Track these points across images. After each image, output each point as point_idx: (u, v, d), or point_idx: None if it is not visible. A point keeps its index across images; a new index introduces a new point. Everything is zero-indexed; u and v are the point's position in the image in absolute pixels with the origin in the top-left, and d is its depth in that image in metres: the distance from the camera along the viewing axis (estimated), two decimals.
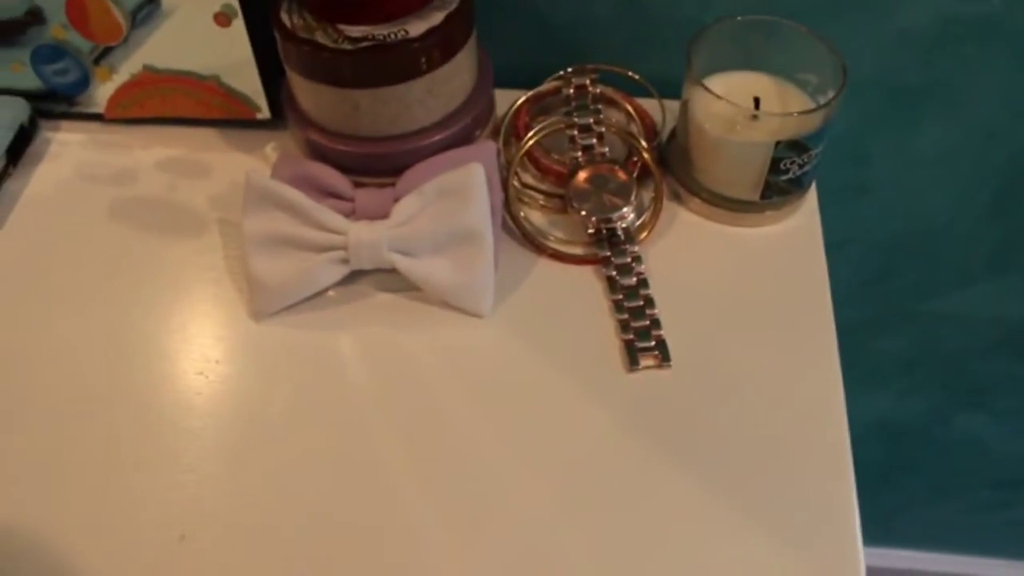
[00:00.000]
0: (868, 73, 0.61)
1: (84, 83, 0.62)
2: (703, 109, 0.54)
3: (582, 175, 0.55)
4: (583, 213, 0.54)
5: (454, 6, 0.52)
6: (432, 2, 0.52)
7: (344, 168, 0.54)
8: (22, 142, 0.62)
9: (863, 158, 0.69)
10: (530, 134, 0.57)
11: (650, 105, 0.62)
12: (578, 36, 0.63)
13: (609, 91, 0.60)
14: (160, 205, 0.59)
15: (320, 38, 0.51)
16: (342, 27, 0.51)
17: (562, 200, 0.56)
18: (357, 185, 0.54)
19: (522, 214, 0.56)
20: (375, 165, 0.55)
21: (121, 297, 0.54)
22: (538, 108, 0.61)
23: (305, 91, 0.54)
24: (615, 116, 0.61)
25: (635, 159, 0.58)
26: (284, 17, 0.52)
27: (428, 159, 0.54)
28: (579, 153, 0.57)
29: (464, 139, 0.56)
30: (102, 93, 0.62)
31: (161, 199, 0.59)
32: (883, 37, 0.62)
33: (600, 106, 0.58)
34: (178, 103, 0.61)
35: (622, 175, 0.55)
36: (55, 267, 0.56)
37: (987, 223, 0.74)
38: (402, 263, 0.51)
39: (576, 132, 0.57)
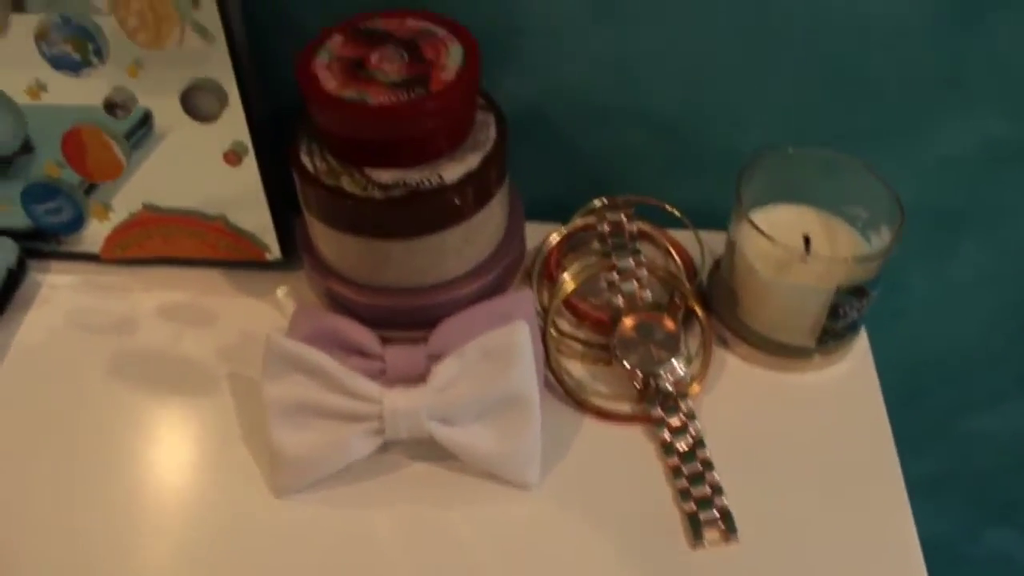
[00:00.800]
0: (909, 200, 0.57)
1: (78, 223, 0.56)
2: (753, 248, 0.50)
3: (627, 323, 0.51)
4: (629, 366, 0.50)
5: (489, 147, 0.47)
6: (465, 142, 0.47)
7: (369, 321, 0.49)
8: (9, 286, 0.56)
9: (900, 284, 0.65)
10: (567, 277, 0.52)
11: (684, 236, 0.57)
12: (609, 165, 0.58)
13: (646, 227, 0.56)
14: (163, 358, 0.53)
15: (346, 184, 0.46)
16: (370, 172, 0.46)
17: (604, 350, 0.52)
18: (384, 340, 0.49)
19: (562, 366, 0.51)
20: (404, 319, 0.49)
21: (122, 466, 0.48)
22: (570, 244, 0.57)
23: (327, 238, 0.49)
24: (650, 251, 0.56)
25: (678, 301, 0.53)
26: (305, 159, 0.47)
27: (461, 312, 0.49)
28: (619, 297, 0.52)
29: (498, 287, 0.51)
30: (98, 232, 0.56)
31: (164, 351, 0.53)
32: (925, 163, 0.58)
33: (639, 245, 0.53)
34: (181, 243, 0.56)
35: (669, 324, 0.50)
36: (48, 430, 0.49)
37: (1019, 340, 0.70)
38: (441, 433, 0.45)
39: (616, 275, 0.52)
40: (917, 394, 0.72)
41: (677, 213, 0.57)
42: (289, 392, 0.46)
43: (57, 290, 0.57)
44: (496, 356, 0.46)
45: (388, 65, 0.45)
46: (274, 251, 0.55)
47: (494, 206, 0.48)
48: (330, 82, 0.45)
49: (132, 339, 0.54)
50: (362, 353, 0.48)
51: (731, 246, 0.52)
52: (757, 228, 0.48)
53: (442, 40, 0.47)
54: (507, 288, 0.52)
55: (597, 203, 0.56)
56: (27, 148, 0.54)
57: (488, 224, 0.49)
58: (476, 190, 0.46)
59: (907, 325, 0.68)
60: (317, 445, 0.45)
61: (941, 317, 0.68)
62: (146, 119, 0.52)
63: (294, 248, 0.55)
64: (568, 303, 0.53)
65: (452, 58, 0.46)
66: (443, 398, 0.45)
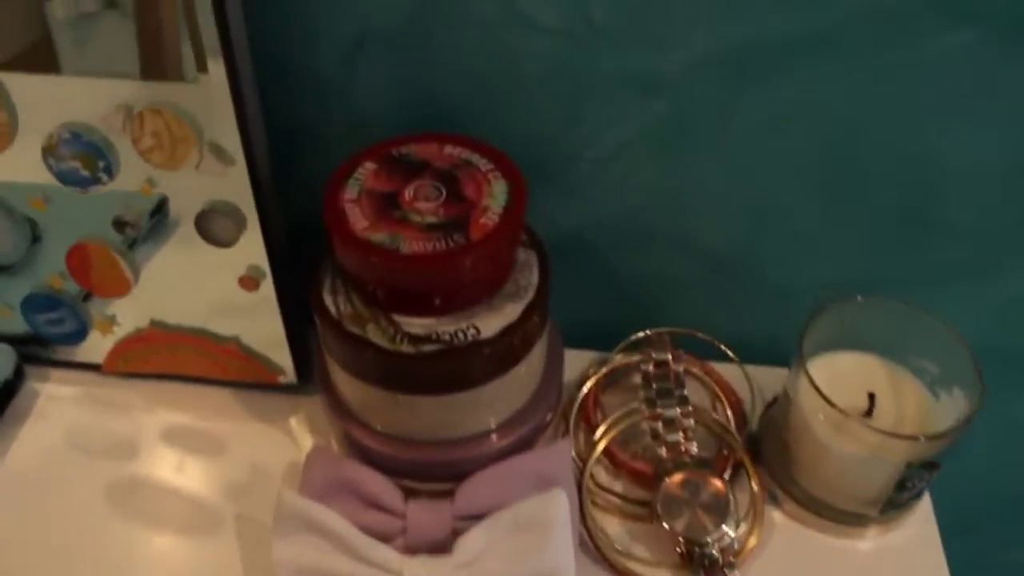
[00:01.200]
0: (974, 339, 0.53)
1: (80, 335, 0.52)
2: (811, 404, 0.45)
3: (671, 482, 0.46)
4: (670, 528, 0.45)
5: (531, 295, 0.42)
6: (503, 286, 0.43)
7: (391, 470, 0.44)
8: (4, 397, 0.52)
9: None
10: (605, 426, 0.48)
11: (729, 369, 0.52)
12: (653, 294, 0.53)
13: (693, 366, 0.51)
14: (165, 490, 0.48)
15: (373, 334, 0.41)
16: (399, 319, 0.41)
17: (643, 506, 0.47)
18: (406, 490, 0.44)
19: (598, 524, 0.46)
20: (428, 471, 0.45)
21: None
22: (610, 376, 0.52)
23: (348, 383, 0.44)
24: (695, 389, 0.51)
25: (726, 454, 0.48)
26: (327, 299, 0.43)
27: (492, 467, 0.44)
28: (663, 449, 0.47)
29: (532, 437, 0.46)
30: (100, 344, 0.52)
31: (167, 482, 0.49)
32: (994, 304, 0.53)
33: (686, 391, 0.48)
34: (189, 362, 0.51)
35: (718, 485, 0.45)
36: (36, 565, 0.45)
37: None
38: None
39: (660, 425, 0.47)
40: (968, 527, 0.67)
41: (727, 351, 0.52)
42: (301, 554, 0.41)
43: (55, 403, 0.52)
44: (530, 528, 0.41)
45: (424, 204, 0.41)
46: (289, 374, 0.51)
47: (533, 356, 0.44)
48: (360, 221, 0.40)
49: (132, 465, 0.49)
50: (382, 508, 0.44)
51: (787, 399, 0.47)
52: (817, 389, 0.43)
53: (484, 175, 0.42)
54: (542, 434, 0.47)
55: (640, 334, 0.52)
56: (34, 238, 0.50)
57: (525, 375, 0.44)
58: (515, 343, 0.42)
59: (965, 463, 0.63)
60: None
61: (1002, 456, 0.63)
62: (161, 206, 0.47)
63: (310, 370, 0.50)
64: (606, 450, 0.48)
65: (495, 198, 0.41)
66: (469, 573, 0.41)
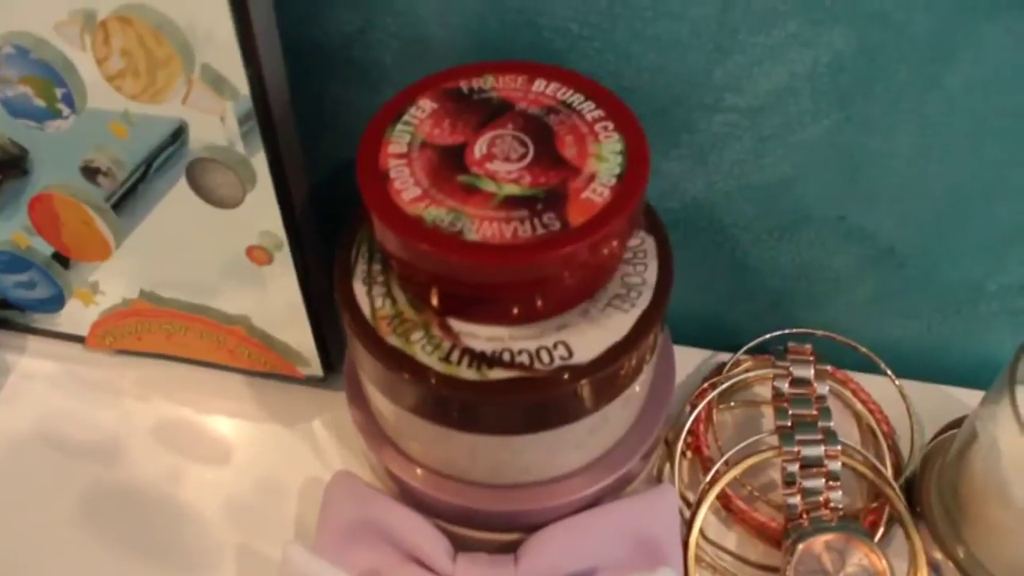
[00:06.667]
0: None
1: (57, 302, 0.38)
2: (1017, 449, 0.30)
3: (810, 546, 0.32)
4: None
5: (645, 301, 0.28)
6: (607, 285, 0.28)
7: (437, 512, 0.31)
8: None
9: None
10: (724, 462, 0.34)
11: (875, 388, 0.38)
12: (792, 287, 0.38)
13: (841, 387, 0.37)
14: (155, 506, 0.36)
15: (420, 351, 0.27)
16: (456, 326, 0.27)
17: (766, 572, 0.33)
18: (455, 541, 0.31)
19: None
20: (487, 520, 0.31)
21: None
22: (726, 393, 0.37)
23: (386, 406, 0.30)
24: (835, 413, 0.37)
25: (876, 505, 0.34)
26: (359, 293, 0.29)
27: (572, 517, 0.31)
28: (797, 497, 0.33)
29: (626, 480, 0.32)
30: (84, 315, 0.39)
31: (158, 495, 0.36)
32: None
33: (832, 424, 0.34)
34: (189, 344, 0.38)
35: (873, 557, 0.32)
36: None
37: None
38: None
39: (798, 467, 0.33)
40: None
41: (879, 363, 0.37)
42: None
43: (29, 383, 0.40)
44: None
45: (502, 164, 0.27)
46: (313, 366, 0.37)
47: (642, 379, 0.30)
48: (409, 188, 0.26)
49: (117, 471, 0.37)
50: (422, 563, 0.31)
51: (971, 436, 0.32)
52: None
53: (590, 126, 0.27)
54: (636, 476, 0.33)
55: (768, 336, 0.37)
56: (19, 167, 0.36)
57: (629, 404, 0.30)
58: (621, 369, 0.28)
59: None
60: None
61: None
62: (178, 134, 0.33)
63: (342, 358, 0.37)
64: (720, 494, 0.34)
65: (605, 161, 0.27)
66: None
